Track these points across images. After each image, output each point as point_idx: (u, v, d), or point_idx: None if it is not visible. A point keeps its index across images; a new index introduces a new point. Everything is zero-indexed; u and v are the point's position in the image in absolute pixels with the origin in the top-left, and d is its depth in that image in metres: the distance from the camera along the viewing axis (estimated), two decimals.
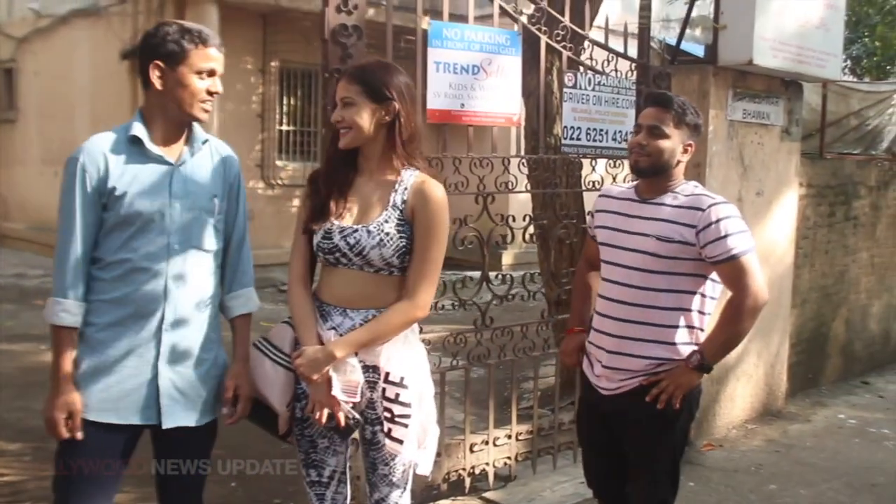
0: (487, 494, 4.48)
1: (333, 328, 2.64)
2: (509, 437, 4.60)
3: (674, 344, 2.95)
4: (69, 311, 2.50)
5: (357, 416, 2.61)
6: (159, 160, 2.57)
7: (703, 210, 2.93)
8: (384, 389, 2.64)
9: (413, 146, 2.69)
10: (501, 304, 4.46)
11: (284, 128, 12.56)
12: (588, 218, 3.32)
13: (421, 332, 3.09)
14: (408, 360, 2.69)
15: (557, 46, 4.54)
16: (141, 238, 2.54)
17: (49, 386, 2.52)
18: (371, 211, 2.66)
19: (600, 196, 3.27)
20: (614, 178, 4.86)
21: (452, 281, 4.09)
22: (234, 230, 2.78)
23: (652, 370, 2.97)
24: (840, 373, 7.18)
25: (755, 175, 5.55)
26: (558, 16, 4.52)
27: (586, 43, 4.88)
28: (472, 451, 4.42)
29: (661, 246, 2.94)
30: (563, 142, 4.61)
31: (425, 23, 3.98)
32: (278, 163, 12.47)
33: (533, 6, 4.45)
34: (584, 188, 5.17)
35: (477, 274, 4.38)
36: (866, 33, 16.19)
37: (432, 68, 3.99)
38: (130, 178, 2.53)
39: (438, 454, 2.73)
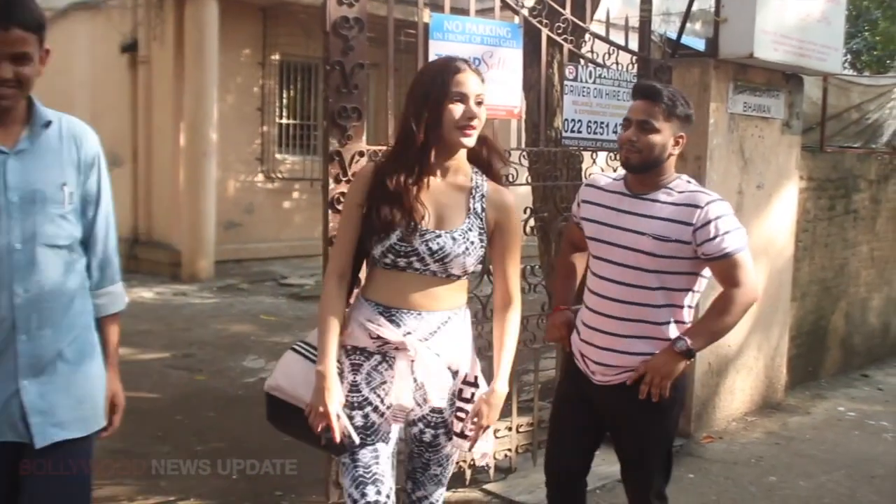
0: (488, 486, 4.49)
1: (408, 332, 2.56)
2: (510, 429, 4.61)
3: (665, 340, 2.95)
4: None
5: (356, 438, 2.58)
6: None
7: (700, 207, 2.91)
8: (460, 391, 2.65)
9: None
10: None
11: (284, 121, 12.55)
12: (574, 206, 3.23)
13: None
14: (473, 357, 2.73)
15: (559, 39, 4.54)
16: None
17: None
18: (452, 216, 2.59)
19: (587, 186, 3.22)
20: (615, 171, 4.85)
21: None
22: (96, 220, 2.46)
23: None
24: (839, 366, 7.20)
25: (756, 168, 5.56)
26: (559, 8, 4.52)
27: (587, 36, 4.88)
28: None
29: (657, 245, 2.92)
30: (564, 134, 4.62)
31: (426, 15, 3.98)
32: (278, 156, 12.46)
33: None
34: (584, 181, 5.17)
35: (478, 267, 4.38)
36: (867, 27, 16.20)
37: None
38: None
39: None
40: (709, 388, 5.46)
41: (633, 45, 4.98)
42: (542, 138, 4.73)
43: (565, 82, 4.59)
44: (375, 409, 2.60)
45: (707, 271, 2.98)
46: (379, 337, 2.56)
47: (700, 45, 5.55)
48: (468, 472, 4.40)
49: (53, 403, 2.31)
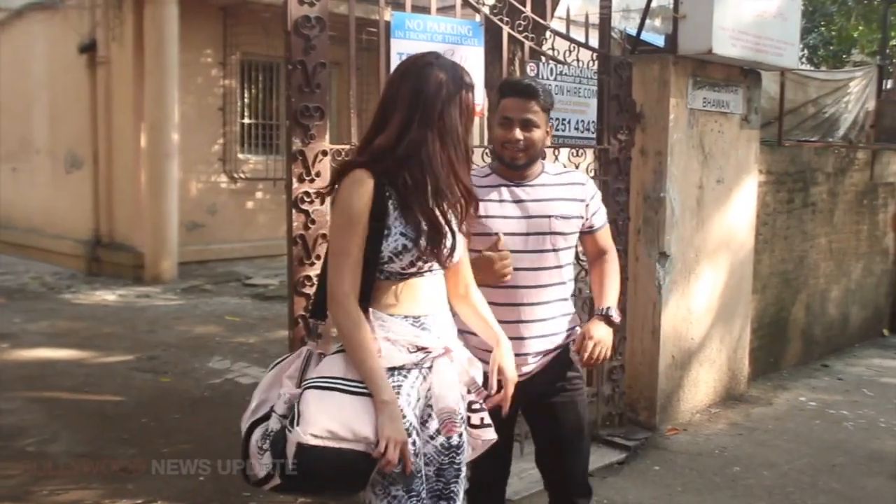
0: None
1: (439, 336, 2.55)
2: None
3: (573, 311, 3.19)
4: None
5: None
6: None
7: (584, 184, 3.17)
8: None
9: None
10: None
11: (246, 121, 12.48)
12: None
13: None
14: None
15: (519, 37, 4.58)
16: None
17: None
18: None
19: None
20: (577, 167, 4.89)
21: None
22: None
23: (566, 341, 3.14)
24: (800, 356, 7.31)
25: (716, 163, 5.63)
26: (520, 6, 4.56)
27: (548, 33, 4.92)
28: None
29: (566, 224, 3.07)
30: None
31: (388, 14, 3.99)
32: (240, 156, 12.38)
33: None
34: None
35: None
36: (823, 23, 16.41)
37: (395, 59, 3.99)
38: None
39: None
40: (673, 381, 5.53)
41: (594, 42, 5.02)
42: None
43: None
44: (417, 432, 2.47)
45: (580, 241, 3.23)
46: (420, 349, 2.48)
47: (660, 41, 5.61)
48: None
49: None
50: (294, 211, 3.71)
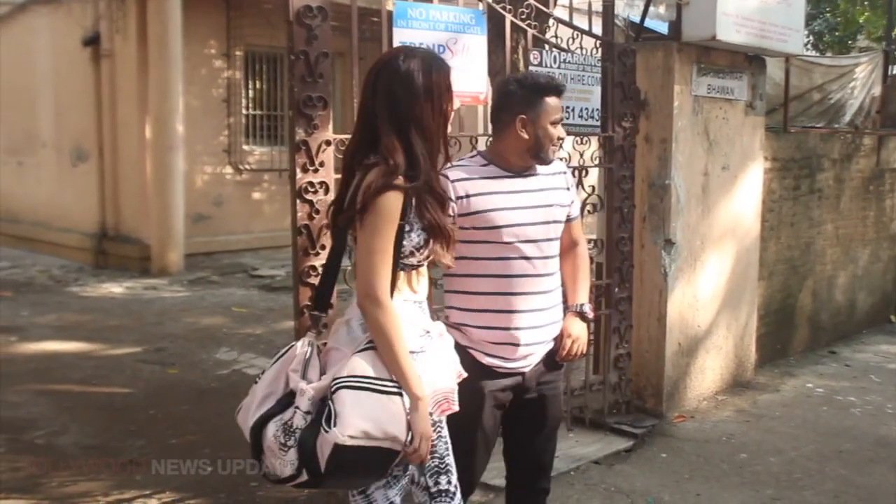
0: None
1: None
2: None
3: (564, 300, 3.22)
4: None
5: None
6: None
7: (566, 173, 3.22)
8: None
9: None
10: None
11: (251, 112, 12.48)
12: (452, 207, 2.94)
13: None
14: None
15: (522, 25, 4.56)
16: None
17: None
18: None
19: (461, 181, 2.99)
20: (581, 155, 4.89)
21: None
22: None
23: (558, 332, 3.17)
24: (807, 343, 7.30)
25: (721, 150, 5.62)
26: None
27: (551, 21, 4.90)
28: None
29: (562, 212, 3.13)
30: None
31: (390, 3, 3.98)
32: (245, 147, 12.40)
33: None
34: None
35: None
36: (828, 9, 16.31)
37: None
38: None
39: None
40: (679, 369, 5.52)
41: (597, 29, 5.00)
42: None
43: (530, 68, 4.61)
44: None
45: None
46: (426, 331, 2.61)
47: (664, 29, 5.58)
48: None
49: None
50: (298, 201, 3.70)
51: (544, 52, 4.66)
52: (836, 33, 16.30)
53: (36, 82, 13.23)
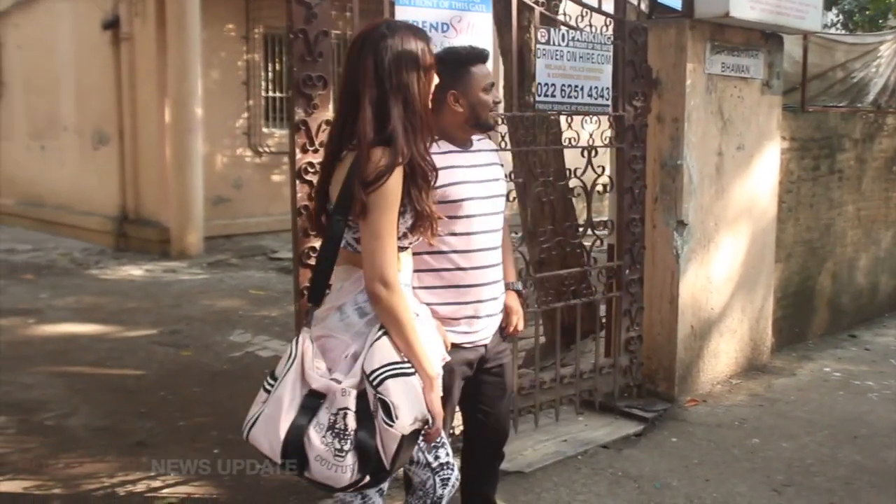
0: None
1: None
2: None
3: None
4: None
5: None
6: None
7: (497, 150, 3.33)
8: None
9: None
10: None
11: (270, 94, 12.46)
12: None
13: None
14: None
15: (529, 2, 4.48)
16: None
17: None
18: None
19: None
20: (590, 135, 4.81)
21: None
22: None
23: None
24: (827, 326, 7.17)
25: (735, 129, 5.50)
26: None
27: None
28: None
29: (504, 186, 3.23)
30: (538, 98, 4.55)
31: None
32: (265, 130, 12.39)
33: None
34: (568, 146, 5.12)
35: None
36: None
37: None
38: None
39: None
40: (692, 352, 5.44)
41: (608, 6, 4.90)
42: (515, 104, 4.67)
43: (538, 46, 4.52)
44: None
45: None
46: (417, 315, 2.60)
47: (678, 5, 5.47)
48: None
49: None
50: (298, 181, 3.66)
51: (552, 30, 4.57)
52: (867, 12, 16.01)
53: (58, 66, 13.31)
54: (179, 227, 11.17)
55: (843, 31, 15.50)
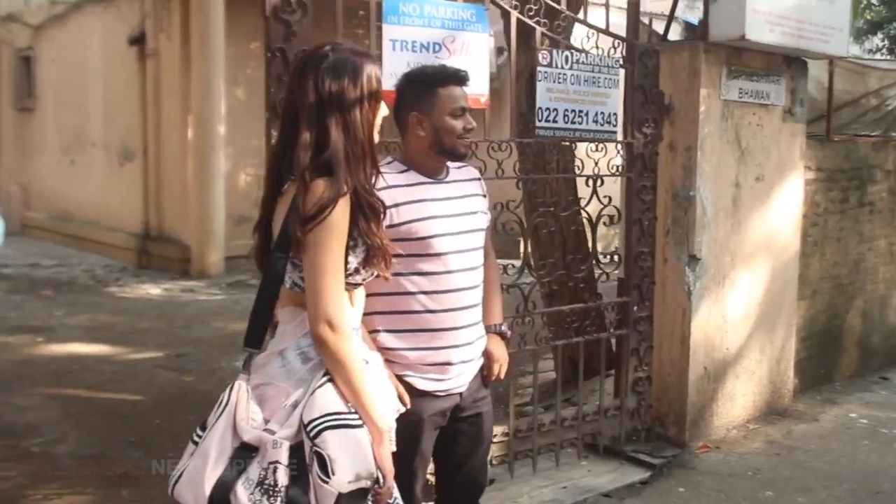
0: None
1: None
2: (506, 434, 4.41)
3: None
4: None
5: None
6: None
7: (480, 179, 3.02)
8: None
9: None
10: None
11: None
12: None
13: None
14: None
15: (530, 22, 4.25)
16: None
17: None
18: None
19: (387, 189, 2.66)
20: (596, 163, 4.55)
21: None
22: None
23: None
24: (856, 367, 6.79)
25: (754, 159, 5.20)
26: None
27: (565, 18, 4.57)
28: None
29: (484, 220, 2.93)
30: (538, 124, 4.30)
31: None
32: None
33: None
34: (572, 174, 4.89)
35: None
36: None
37: (388, 47, 3.73)
38: None
39: None
40: (705, 394, 5.13)
41: (616, 28, 4.66)
42: (514, 130, 4.43)
43: (539, 68, 4.28)
44: None
45: None
46: (367, 363, 2.41)
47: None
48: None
49: None
50: None
51: (554, 52, 4.33)
52: None
53: (87, 81, 13.37)
54: (200, 245, 11.06)
55: (890, 57, 15.12)
